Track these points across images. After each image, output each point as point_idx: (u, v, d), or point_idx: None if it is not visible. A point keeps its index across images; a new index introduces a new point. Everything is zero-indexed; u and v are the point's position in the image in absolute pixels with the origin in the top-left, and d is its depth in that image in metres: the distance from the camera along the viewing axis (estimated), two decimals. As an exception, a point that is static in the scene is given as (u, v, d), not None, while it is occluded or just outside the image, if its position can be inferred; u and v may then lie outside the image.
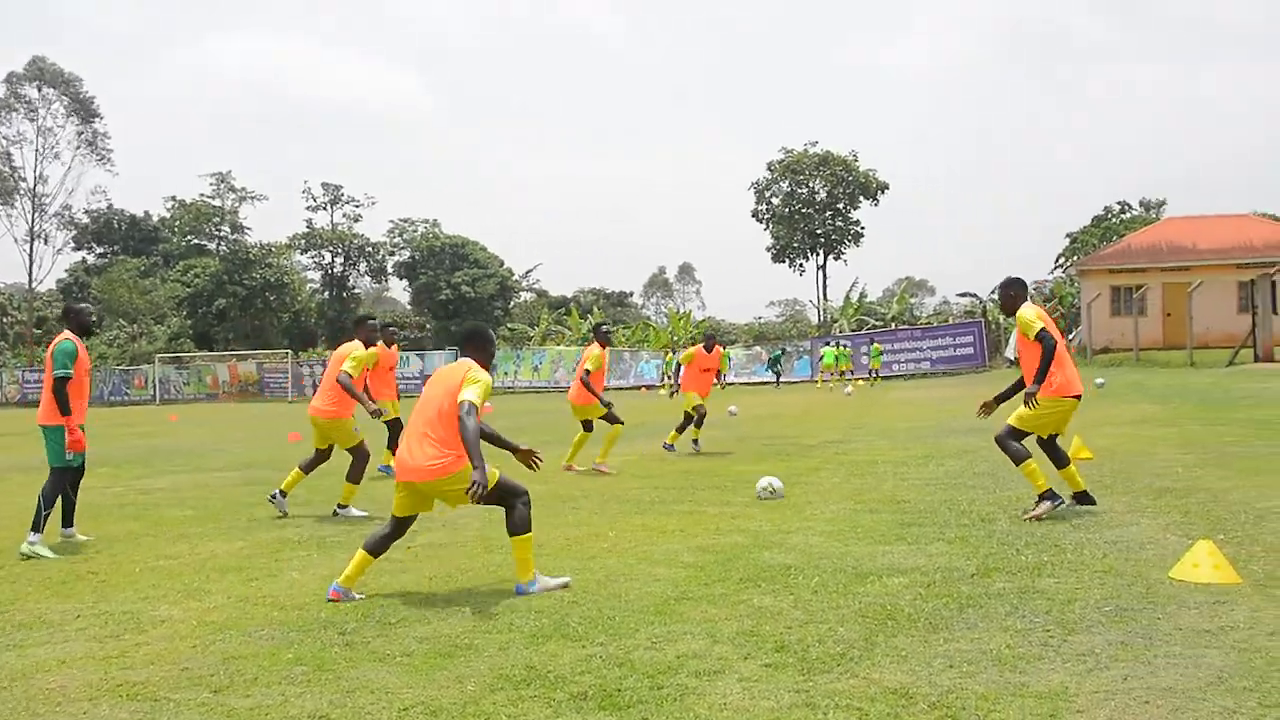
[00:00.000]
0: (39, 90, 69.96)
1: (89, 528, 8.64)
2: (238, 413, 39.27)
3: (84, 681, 4.43)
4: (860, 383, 39.33)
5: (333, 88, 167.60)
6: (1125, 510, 7.78)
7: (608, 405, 12.14)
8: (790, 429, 17.78)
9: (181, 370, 57.46)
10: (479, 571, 6.48)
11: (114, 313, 69.87)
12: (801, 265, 73.23)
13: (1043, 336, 7.54)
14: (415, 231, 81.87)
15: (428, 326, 74.91)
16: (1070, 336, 47.35)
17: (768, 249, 73.20)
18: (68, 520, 8.18)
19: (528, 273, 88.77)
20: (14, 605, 5.99)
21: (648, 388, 46.69)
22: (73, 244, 78.17)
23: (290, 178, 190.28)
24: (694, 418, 14.04)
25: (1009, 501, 8.36)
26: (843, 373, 41.37)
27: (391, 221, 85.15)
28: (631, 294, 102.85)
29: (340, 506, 9.23)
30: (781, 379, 44.21)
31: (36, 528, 7.59)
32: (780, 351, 45.67)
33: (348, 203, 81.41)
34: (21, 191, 70.12)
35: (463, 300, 74.88)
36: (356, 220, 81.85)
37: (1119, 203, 71.84)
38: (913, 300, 69.20)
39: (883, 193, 71.16)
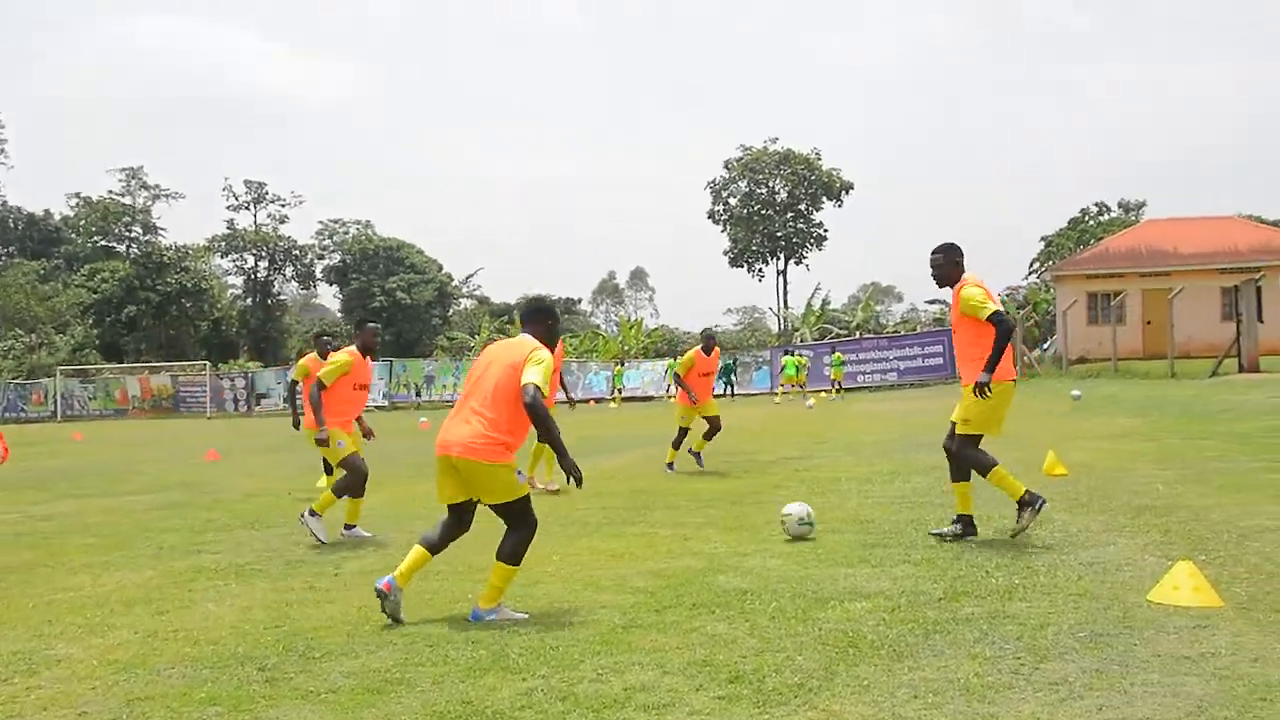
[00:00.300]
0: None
1: (-19, 556, 8.46)
2: (150, 430, 38.71)
3: (-29, 726, 4.33)
4: (823, 395, 39.56)
5: (257, 79, 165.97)
6: (1102, 529, 7.89)
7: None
8: (748, 444, 17.84)
9: (87, 384, 56.54)
10: (413, 599, 6.42)
11: (9, 321, 68.57)
12: (761, 270, 73.78)
13: (1000, 318, 7.35)
14: (346, 233, 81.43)
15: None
16: (1045, 346, 48.09)
17: (725, 253, 73.75)
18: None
19: (468, 278, 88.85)
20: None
21: (596, 400, 46.69)
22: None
23: (209, 175, 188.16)
24: (688, 430, 14.03)
25: (980, 520, 8.43)
26: (796, 385, 41.48)
27: (320, 222, 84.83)
28: (580, 301, 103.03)
29: (347, 527, 9.09)
30: (735, 391, 44.31)
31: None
32: (733, 361, 45.85)
33: (272, 202, 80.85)
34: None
35: (398, 307, 74.59)
36: (282, 221, 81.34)
37: (1096, 204, 73.34)
38: (879, 307, 70.06)
39: (847, 193, 71.93)
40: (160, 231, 78.29)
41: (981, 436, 7.62)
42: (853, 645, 4.96)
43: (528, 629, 5.52)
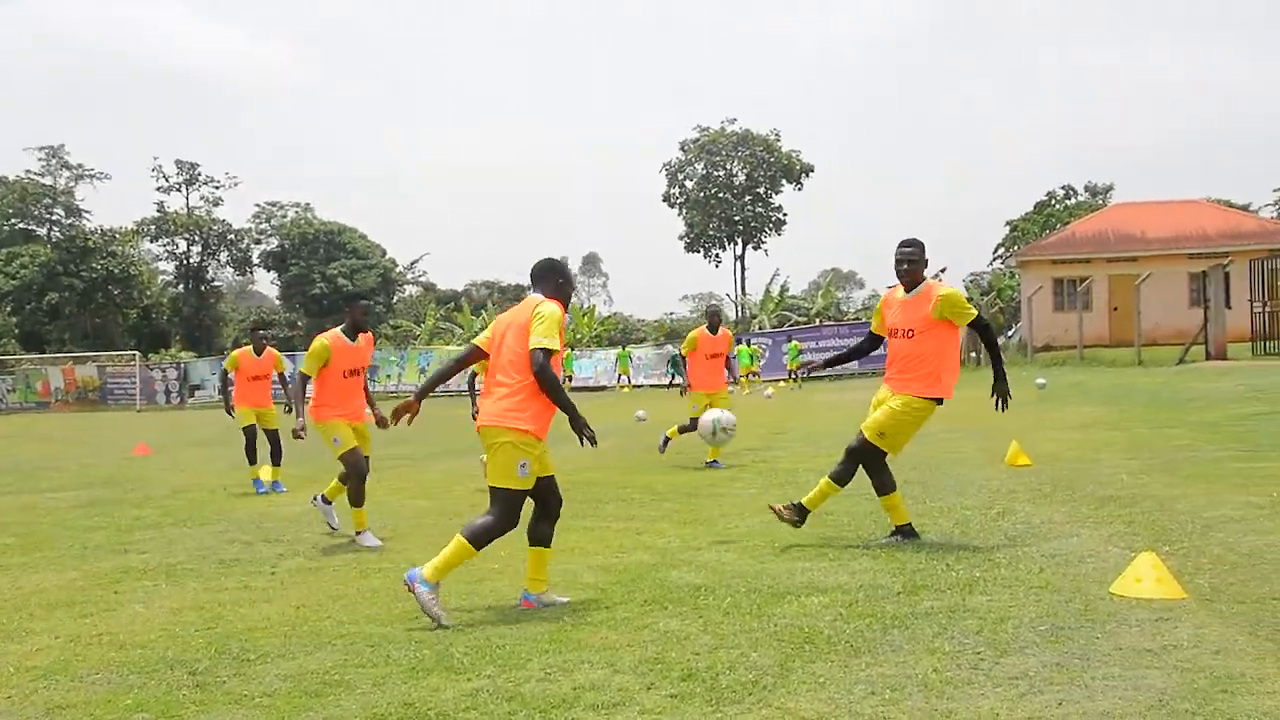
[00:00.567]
0: None
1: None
2: (75, 423, 38.19)
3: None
4: (782, 385, 39.71)
5: (189, 54, 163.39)
6: (1065, 521, 8.00)
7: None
8: (705, 436, 17.87)
9: (5, 376, 55.64)
10: (353, 598, 6.40)
11: (-82, 309, 67.34)
12: (718, 255, 74.06)
13: (986, 321, 7.44)
14: (284, 217, 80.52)
15: (300, 324, 73.73)
16: (1009, 333, 48.61)
17: (681, 237, 73.91)
18: None
19: (413, 264, 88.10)
20: None
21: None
22: None
23: (138, 154, 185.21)
24: (698, 421, 12.99)
25: (939, 512, 8.54)
26: (751, 374, 41.48)
27: (257, 205, 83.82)
28: (529, 288, 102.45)
29: (358, 533, 8.60)
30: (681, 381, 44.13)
31: None
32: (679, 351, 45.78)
33: (206, 183, 79.65)
34: None
35: (339, 294, 73.84)
36: (216, 204, 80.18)
37: (1063, 187, 74.05)
38: (840, 294, 70.40)
39: (807, 176, 72.32)
40: (85, 214, 77.04)
41: (887, 454, 7.66)
42: (809, 641, 5.00)
43: (472, 628, 5.52)
